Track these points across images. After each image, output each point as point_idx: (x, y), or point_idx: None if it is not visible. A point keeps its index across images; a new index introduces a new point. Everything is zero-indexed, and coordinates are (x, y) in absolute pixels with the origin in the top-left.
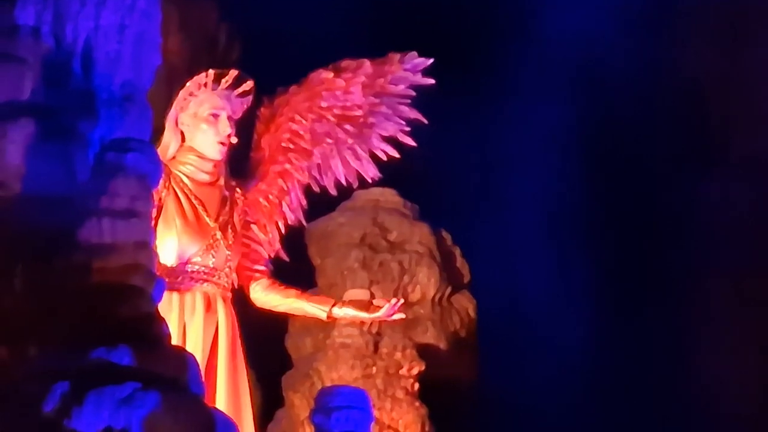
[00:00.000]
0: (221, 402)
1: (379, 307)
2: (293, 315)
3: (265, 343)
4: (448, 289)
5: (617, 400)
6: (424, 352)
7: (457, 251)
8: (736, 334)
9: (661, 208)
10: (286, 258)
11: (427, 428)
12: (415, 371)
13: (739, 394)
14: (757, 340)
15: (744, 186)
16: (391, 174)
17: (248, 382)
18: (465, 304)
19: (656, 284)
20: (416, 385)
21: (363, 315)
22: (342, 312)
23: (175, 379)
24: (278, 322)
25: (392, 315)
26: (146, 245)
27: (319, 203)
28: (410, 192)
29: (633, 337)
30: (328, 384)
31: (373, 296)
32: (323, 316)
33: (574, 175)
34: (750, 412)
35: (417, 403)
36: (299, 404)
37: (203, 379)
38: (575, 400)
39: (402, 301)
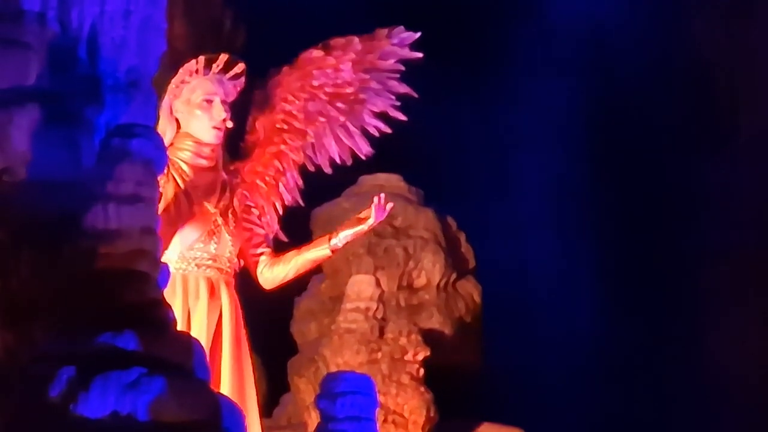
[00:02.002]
0: (226, 387)
1: (368, 217)
2: (301, 280)
3: (271, 328)
4: (453, 275)
5: (624, 384)
6: (429, 337)
7: (462, 237)
8: (745, 315)
9: (669, 189)
10: (284, 239)
11: (432, 413)
12: (420, 356)
13: (749, 375)
14: (766, 322)
15: (752, 166)
16: (395, 159)
17: (253, 367)
18: (470, 289)
19: (663, 267)
20: (421, 371)
21: (360, 228)
22: (341, 238)
23: (181, 364)
24: (283, 307)
25: (384, 213)
26: (152, 231)
27: (325, 188)
28: (415, 177)
29: (640, 320)
30: (333, 369)
31: (378, 282)
32: (327, 253)
33: (581, 159)
34: (760, 393)
35: (422, 389)
36: (304, 389)
37: (208, 364)
38: (581, 384)
39: (383, 195)
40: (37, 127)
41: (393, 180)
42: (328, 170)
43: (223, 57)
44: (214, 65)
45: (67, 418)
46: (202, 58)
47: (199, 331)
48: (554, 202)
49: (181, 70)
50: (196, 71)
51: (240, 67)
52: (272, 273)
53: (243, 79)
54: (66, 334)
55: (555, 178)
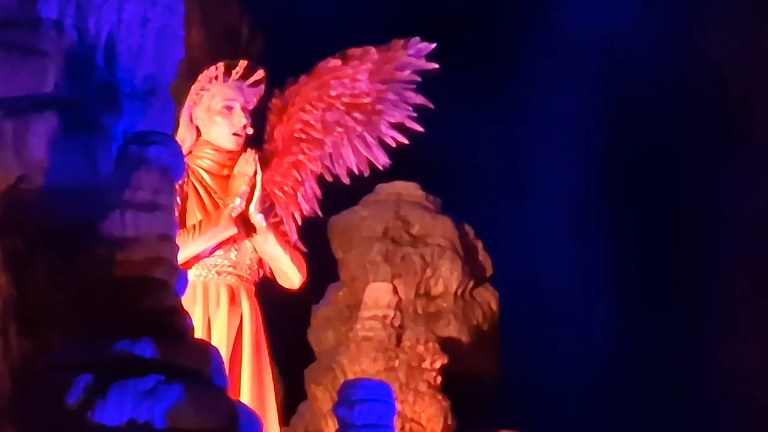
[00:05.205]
0: (245, 395)
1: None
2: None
3: (288, 336)
4: (471, 283)
5: (640, 391)
6: (447, 345)
7: (480, 244)
8: (760, 323)
9: (684, 197)
10: (303, 249)
11: (449, 421)
12: (437, 364)
13: (763, 382)
14: None
15: (767, 174)
16: (413, 167)
17: (272, 374)
18: (487, 297)
19: (679, 274)
20: (439, 378)
21: (257, 193)
22: (258, 217)
23: (198, 371)
24: (300, 315)
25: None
26: (169, 238)
27: (342, 197)
28: (433, 185)
29: (656, 328)
30: (351, 377)
31: (396, 290)
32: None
33: (596, 168)
34: None
35: (439, 396)
36: (322, 397)
37: (227, 372)
38: (598, 392)
39: (249, 151)
40: (54, 135)
41: (410, 188)
42: (345, 180)
43: (243, 63)
44: (234, 72)
45: (84, 426)
46: (221, 65)
47: (219, 339)
48: (570, 210)
49: (200, 77)
50: (216, 78)
51: (259, 73)
52: (274, 272)
53: (263, 86)
54: (83, 341)
55: (571, 186)
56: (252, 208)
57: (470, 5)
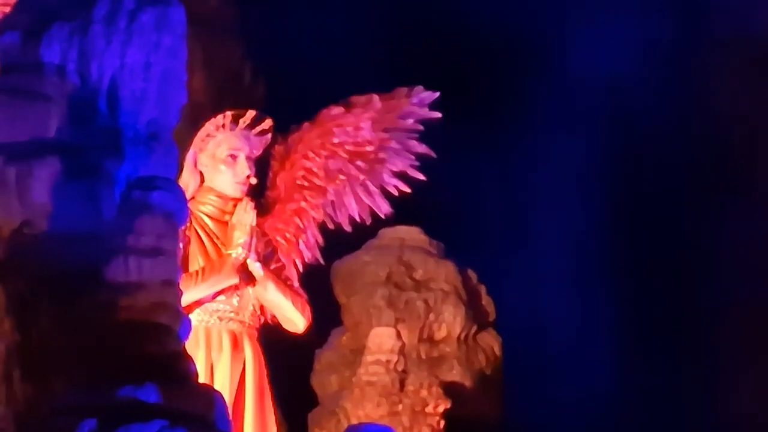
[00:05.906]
0: None
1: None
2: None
3: (291, 381)
4: (474, 327)
5: None
6: (450, 389)
7: (483, 289)
8: (762, 369)
9: (686, 243)
10: (304, 294)
11: None
12: (440, 409)
13: (765, 425)
14: None
15: None
16: (416, 212)
17: (276, 420)
18: (490, 341)
19: (682, 321)
20: (442, 423)
21: (249, 236)
22: (255, 266)
23: (202, 416)
24: (304, 360)
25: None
26: (173, 283)
27: (346, 242)
28: (436, 230)
29: (659, 374)
30: (354, 422)
31: (399, 334)
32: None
33: (600, 214)
34: None
35: None
36: None
37: (231, 416)
38: None
39: (245, 200)
40: (57, 180)
41: (413, 233)
42: (347, 228)
43: (251, 113)
44: (241, 121)
45: None
46: (229, 114)
47: (222, 384)
48: (573, 255)
49: (207, 124)
50: (223, 126)
51: (267, 123)
52: (279, 318)
53: (269, 135)
54: (87, 386)
55: (573, 231)
56: (253, 260)
57: (473, 53)
